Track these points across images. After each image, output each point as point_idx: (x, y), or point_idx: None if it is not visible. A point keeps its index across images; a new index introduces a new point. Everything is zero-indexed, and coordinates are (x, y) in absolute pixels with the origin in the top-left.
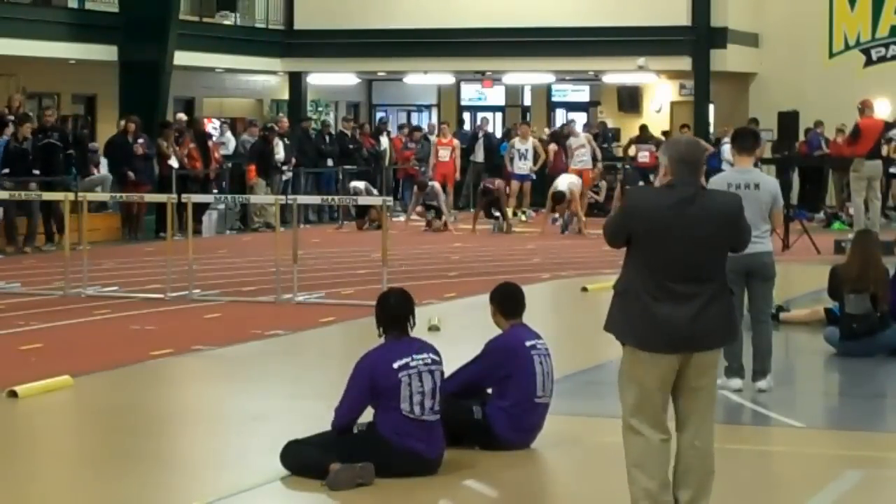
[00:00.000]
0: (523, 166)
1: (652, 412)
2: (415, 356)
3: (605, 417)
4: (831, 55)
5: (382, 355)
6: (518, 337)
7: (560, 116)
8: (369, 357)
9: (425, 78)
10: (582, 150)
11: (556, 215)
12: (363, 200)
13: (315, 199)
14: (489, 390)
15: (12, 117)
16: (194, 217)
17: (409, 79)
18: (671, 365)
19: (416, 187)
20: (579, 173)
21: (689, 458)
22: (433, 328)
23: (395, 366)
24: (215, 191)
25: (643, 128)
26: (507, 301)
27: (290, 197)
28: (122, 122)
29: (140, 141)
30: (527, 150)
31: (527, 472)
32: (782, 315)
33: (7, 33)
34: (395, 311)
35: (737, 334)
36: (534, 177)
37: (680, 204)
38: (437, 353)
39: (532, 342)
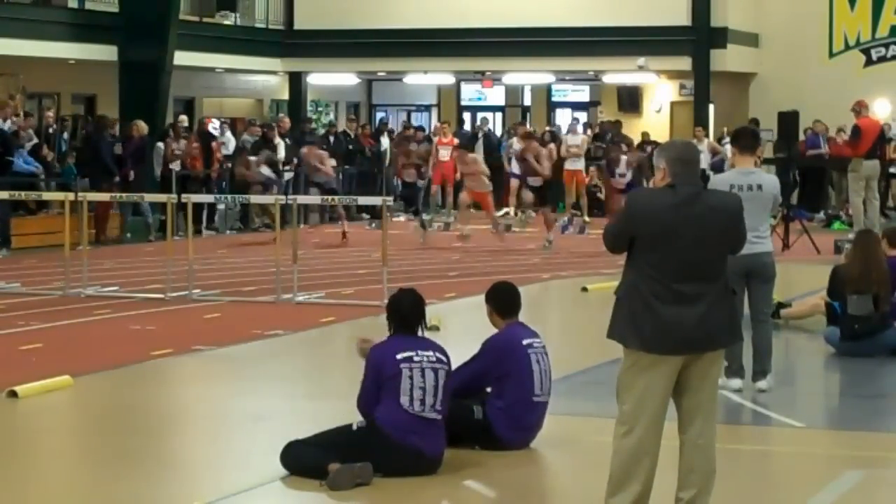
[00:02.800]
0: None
1: (651, 415)
2: (420, 352)
3: (605, 417)
4: (831, 55)
5: (388, 346)
6: (515, 335)
7: (560, 116)
8: (377, 348)
9: (425, 78)
10: (576, 150)
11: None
12: (363, 200)
13: (315, 199)
14: (488, 389)
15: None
16: (195, 217)
17: (409, 79)
18: (675, 366)
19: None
20: (572, 175)
21: (693, 456)
22: (433, 328)
23: (398, 357)
24: (215, 191)
25: (616, 123)
26: (502, 300)
27: (290, 197)
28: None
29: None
30: None
31: (527, 472)
32: (783, 311)
33: (7, 33)
34: (407, 313)
35: (741, 335)
36: None
37: (683, 204)
38: (445, 353)
39: (529, 340)
